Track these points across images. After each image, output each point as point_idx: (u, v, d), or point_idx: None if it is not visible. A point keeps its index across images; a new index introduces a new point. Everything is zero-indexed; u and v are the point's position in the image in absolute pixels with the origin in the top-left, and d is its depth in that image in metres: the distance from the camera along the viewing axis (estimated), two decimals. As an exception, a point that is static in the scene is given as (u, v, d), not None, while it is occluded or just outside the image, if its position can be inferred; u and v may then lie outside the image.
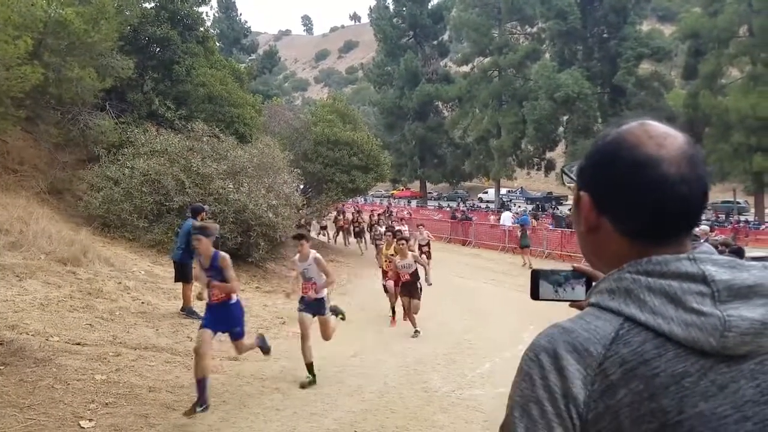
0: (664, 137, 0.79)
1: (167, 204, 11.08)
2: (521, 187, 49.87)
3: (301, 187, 16.37)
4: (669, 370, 0.71)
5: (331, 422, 4.82)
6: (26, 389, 4.50)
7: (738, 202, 35.97)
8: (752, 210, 34.56)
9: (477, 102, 44.00)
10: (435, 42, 48.37)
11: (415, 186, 52.17)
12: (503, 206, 41.42)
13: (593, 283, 0.91)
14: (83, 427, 4.19)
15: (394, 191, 53.75)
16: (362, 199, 38.41)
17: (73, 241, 8.69)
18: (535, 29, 44.26)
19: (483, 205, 42.06)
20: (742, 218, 32.58)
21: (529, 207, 38.09)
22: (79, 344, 5.66)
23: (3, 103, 9.45)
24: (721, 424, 0.70)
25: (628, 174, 0.79)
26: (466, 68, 47.06)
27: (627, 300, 0.77)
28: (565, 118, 40.02)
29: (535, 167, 43.90)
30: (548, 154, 42.85)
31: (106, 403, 4.61)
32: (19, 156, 11.69)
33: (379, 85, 49.61)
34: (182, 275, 7.80)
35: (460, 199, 49.05)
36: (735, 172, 32.03)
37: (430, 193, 52.14)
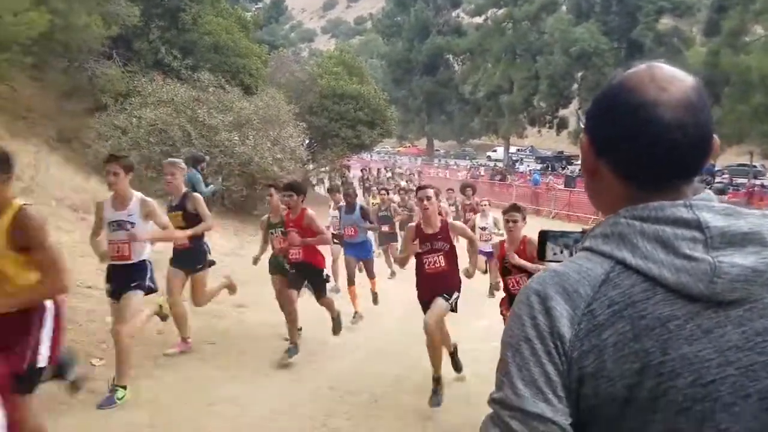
0: (668, 81, 0.77)
1: (174, 154, 11.14)
2: (531, 146, 49.05)
3: (306, 141, 16.32)
4: (656, 312, 0.72)
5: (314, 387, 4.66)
6: (40, 328, 4.71)
7: (754, 166, 35.32)
8: (768, 173, 33.91)
9: (489, 56, 42.82)
10: (448, -9, 46.82)
11: (422, 143, 51.41)
12: (512, 165, 41.01)
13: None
14: (94, 365, 4.44)
15: (400, 148, 52.16)
16: (369, 156, 37.98)
17: (83, 188, 8.85)
18: (552, -21, 42.60)
19: (491, 164, 41.52)
20: (758, 182, 32.05)
21: (539, 166, 37.67)
22: (90, 287, 5.87)
23: (11, 49, 9.44)
24: (703, 366, 0.71)
25: (624, 117, 0.77)
26: (479, 19, 45.58)
27: (620, 244, 0.77)
28: (579, 74, 39.06)
29: (547, 125, 43.11)
30: (561, 112, 41.97)
31: (117, 344, 4.83)
32: (27, 103, 11.73)
33: (388, 36, 48.39)
34: None
35: (468, 157, 48.43)
36: (753, 134, 31.27)
37: (437, 150, 51.45)
